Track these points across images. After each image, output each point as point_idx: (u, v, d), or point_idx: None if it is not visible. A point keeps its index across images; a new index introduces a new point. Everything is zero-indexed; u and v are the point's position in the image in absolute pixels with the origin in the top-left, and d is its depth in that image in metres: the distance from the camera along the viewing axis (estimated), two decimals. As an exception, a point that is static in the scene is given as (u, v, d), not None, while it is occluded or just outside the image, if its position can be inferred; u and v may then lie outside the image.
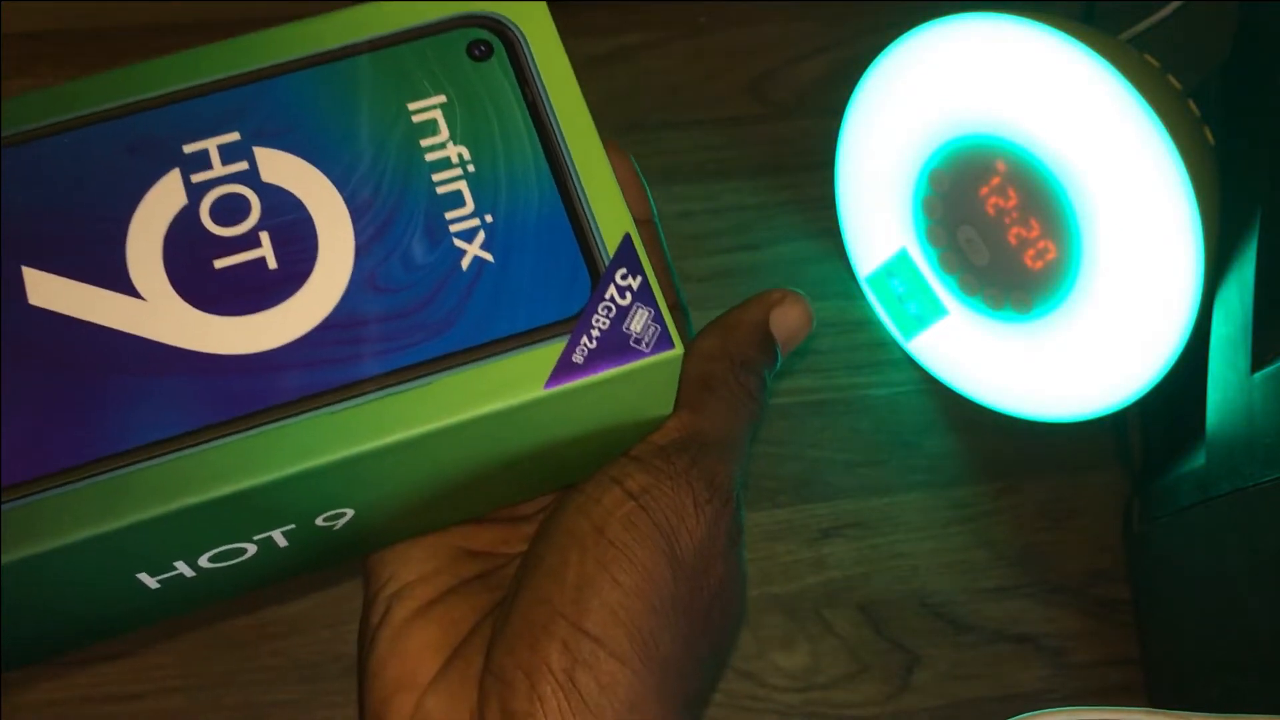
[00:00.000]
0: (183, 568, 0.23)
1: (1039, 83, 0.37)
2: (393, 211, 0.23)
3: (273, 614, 0.42)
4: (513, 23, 0.25)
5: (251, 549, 0.23)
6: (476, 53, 0.24)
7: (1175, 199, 0.35)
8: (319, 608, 0.43)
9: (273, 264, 0.22)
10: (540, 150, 0.24)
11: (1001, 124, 0.38)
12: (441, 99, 0.24)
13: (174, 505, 0.21)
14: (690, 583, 0.26)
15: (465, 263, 0.23)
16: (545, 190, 0.23)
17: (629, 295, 0.23)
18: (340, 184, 0.23)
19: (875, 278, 0.45)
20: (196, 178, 0.23)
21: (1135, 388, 0.39)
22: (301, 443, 0.21)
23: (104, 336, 0.22)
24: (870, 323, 0.47)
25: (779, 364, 0.30)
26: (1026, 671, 0.43)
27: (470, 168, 0.23)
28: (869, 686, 0.42)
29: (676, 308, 0.29)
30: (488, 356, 0.22)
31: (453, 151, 0.24)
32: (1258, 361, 0.34)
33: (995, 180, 0.39)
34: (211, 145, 0.23)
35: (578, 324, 0.23)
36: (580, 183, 0.23)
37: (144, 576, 0.23)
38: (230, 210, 0.23)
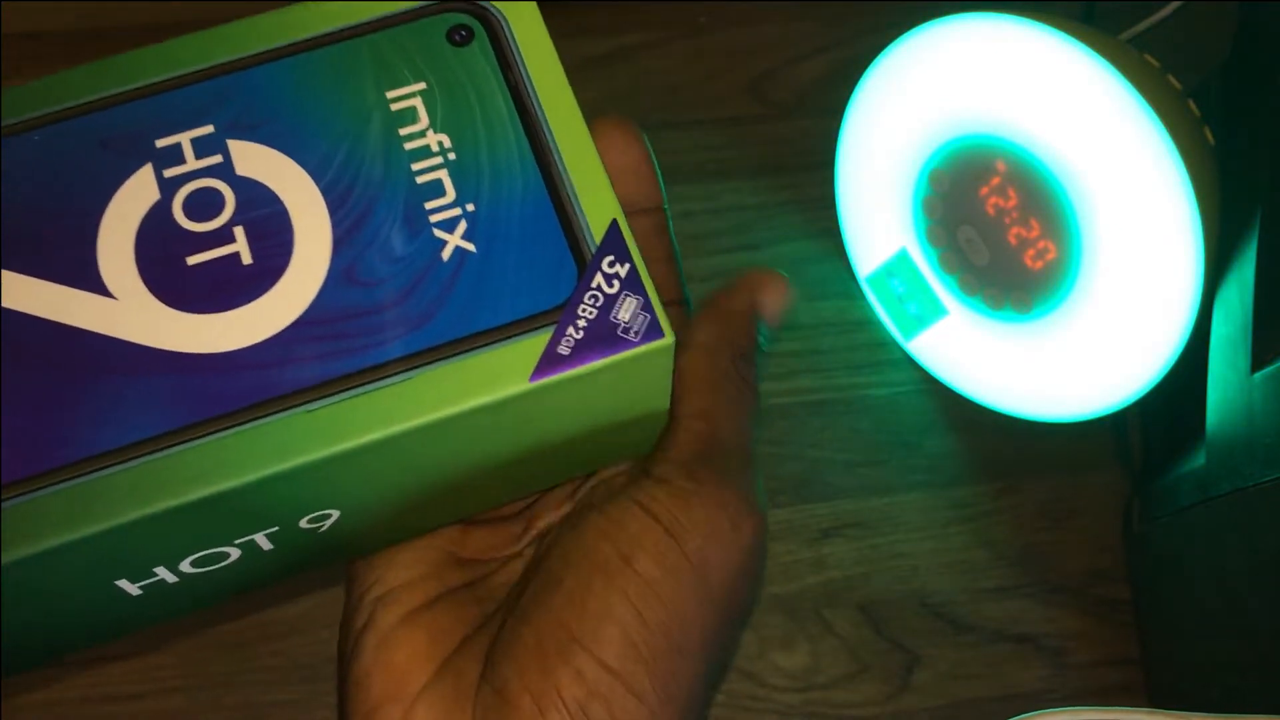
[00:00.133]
0: (164, 573, 0.22)
1: (1039, 83, 0.37)
2: (371, 203, 0.22)
3: (273, 614, 0.42)
4: (494, 6, 0.24)
5: (234, 553, 0.23)
6: (457, 38, 0.24)
7: (1175, 199, 0.35)
8: (319, 608, 0.43)
9: (247, 259, 0.22)
10: (524, 136, 0.23)
11: (1001, 124, 0.38)
12: (421, 86, 0.23)
13: (148, 510, 0.20)
14: (719, 615, 0.25)
15: (446, 253, 0.22)
16: (529, 177, 0.23)
17: (616, 283, 0.22)
18: (317, 175, 0.23)
19: (875, 278, 0.45)
20: (169, 172, 0.22)
21: (1135, 388, 0.38)
22: (279, 442, 0.21)
23: (75, 337, 0.21)
24: (870, 323, 0.47)
25: (765, 346, 0.29)
26: (1026, 671, 0.43)
27: (451, 155, 0.23)
28: (869, 686, 0.42)
29: (680, 301, 0.28)
30: (470, 350, 0.21)
31: (433, 139, 0.23)
32: (1258, 361, 0.34)
33: (995, 180, 0.39)
34: (185, 139, 0.23)
35: (563, 314, 0.22)
36: (565, 168, 0.23)
37: (124, 584, 0.22)
38: (203, 205, 0.22)
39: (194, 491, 0.20)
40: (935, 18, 0.39)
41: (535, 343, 0.22)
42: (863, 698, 0.42)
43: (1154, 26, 0.43)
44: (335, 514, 0.23)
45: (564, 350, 0.22)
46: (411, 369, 0.21)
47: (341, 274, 0.22)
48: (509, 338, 0.22)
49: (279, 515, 0.22)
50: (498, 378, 0.21)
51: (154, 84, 0.23)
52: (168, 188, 0.22)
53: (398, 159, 0.23)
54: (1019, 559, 0.44)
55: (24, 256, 0.22)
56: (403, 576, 0.27)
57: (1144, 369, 0.38)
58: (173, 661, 0.42)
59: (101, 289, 0.21)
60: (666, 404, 0.25)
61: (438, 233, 0.22)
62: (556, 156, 0.23)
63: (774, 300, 0.29)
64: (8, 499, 0.20)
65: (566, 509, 0.28)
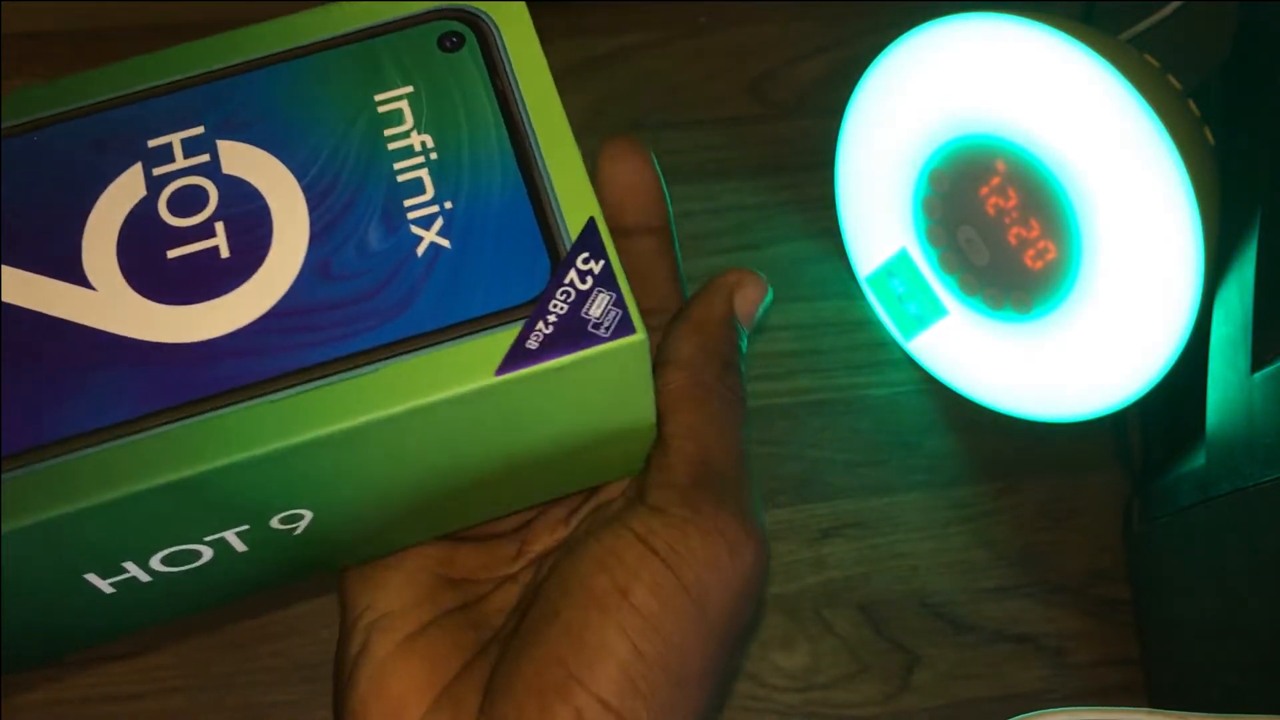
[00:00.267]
0: (135, 570, 0.22)
1: (1039, 83, 0.37)
2: (350, 200, 0.23)
3: (273, 614, 0.42)
4: (486, 14, 0.24)
5: (207, 553, 0.23)
6: (447, 44, 0.24)
7: (1175, 199, 0.35)
8: (319, 608, 0.43)
9: (225, 253, 0.22)
10: (506, 136, 0.23)
11: (1001, 124, 0.38)
12: (408, 90, 0.24)
13: (105, 495, 0.20)
14: (718, 644, 0.24)
15: (421, 249, 0.22)
16: (509, 176, 0.23)
17: (590, 280, 0.22)
18: (300, 174, 0.23)
19: (875, 278, 0.45)
20: (158, 171, 0.23)
21: (1135, 388, 0.39)
22: (240, 431, 0.21)
23: (50, 326, 0.22)
24: (870, 323, 0.47)
25: (745, 349, 0.28)
26: (1026, 671, 0.43)
27: (433, 155, 0.23)
28: (869, 686, 0.42)
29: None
30: (439, 343, 0.21)
31: (416, 140, 0.23)
32: (1258, 361, 0.34)
33: (995, 180, 0.39)
34: (175, 139, 0.23)
35: (534, 309, 0.22)
36: (546, 169, 0.23)
37: (94, 579, 0.22)
38: (187, 201, 0.23)
39: (152, 478, 0.20)
40: (935, 18, 0.39)
41: (504, 337, 0.21)
42: (863, 698, 0.42)
43: (1154, 26, 0.43)
44: (308, 515, 0.23)
45: (532, 344, 0.21)
46: (378, 361, 0.21)
47: (316, 268, 0.22)
48: (478, 332, 0.22)
49: (247, 511, 0.22)
50: (464, 371, 0.21)
51: (151, 88, 0.24)
52: (155, 185, 0.23)
53: (380, 158, 0.23)
54: (1019, 559, 0.44)
55: (12, 250, 0.22)
56: (395, 601, 0.26)
57: (1144, 369, 0.38)
58: (173, 661, 0.42)
59: (82, 280, 0.22)
60: (651, 416, 0.25)
61: (414, 229, 0.22)
62: (538, 157, 0.23)
63: (750, 301, 0.29)
64: None
65: (562, 533, 0.28)
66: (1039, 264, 0.39)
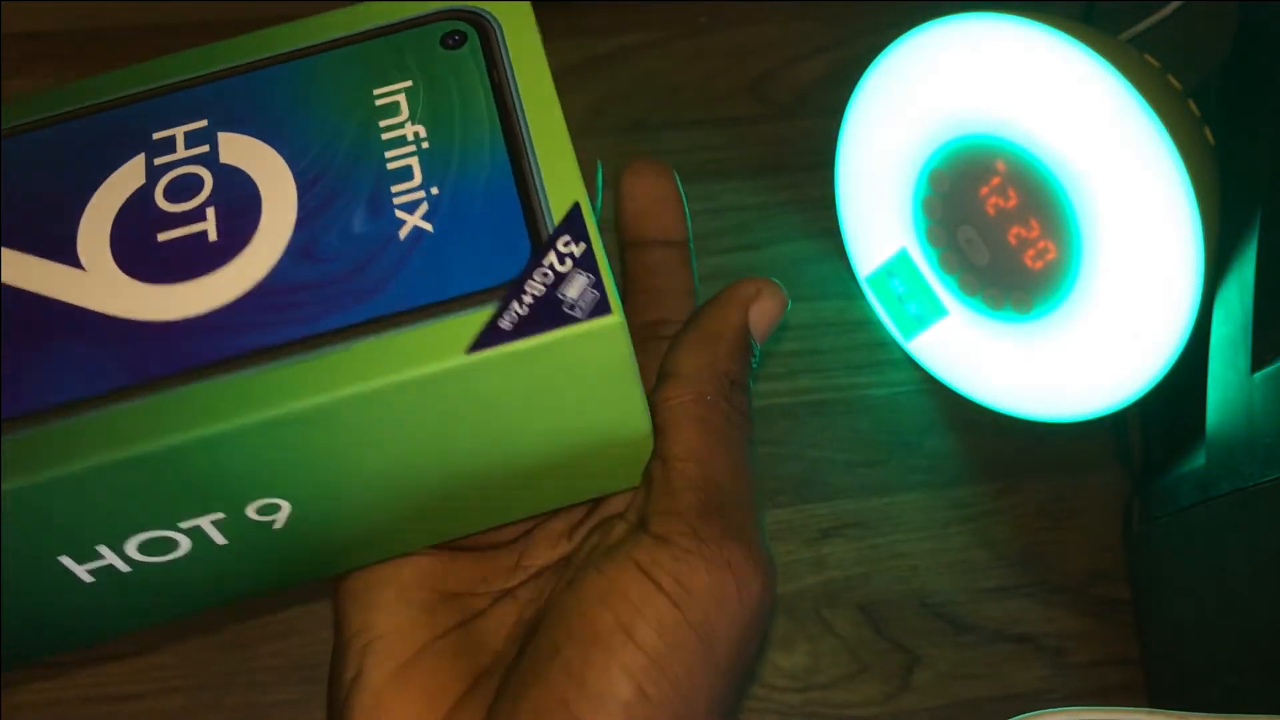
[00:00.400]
0: (111, 556, 0.22)
1: (1039, 83, 0.37)
2: (339, 186, 0.23)
3: (273, 614, 0.42)
4: (490, 14, 0.25)
5: (184, 542, 0.23)
6: (450, 42, 0.25)
7: (1175, 199, 0.35)
8: (319, 608, 0.43)
9: (213, 236, 0.23)
10: (499, 126, 0.23)
11: (1001, 124, 0.38)
12: (407, 84, 0.24)
13: (69, 468, 0.20)
14: (724, 680, 0.24)
15: (404, 232, 0.22)
16: (497, 163, 0.23)
17: (570, 262, 0.22)
18: (293, 162, 0.23)
19: (875, 278, 0.45)
20: (159, 160, 0.24)
21: (1135, 388, 0.39)
22: (205, 407, 0.21)
23: (34, 302, 0.22)
24: (870, 323, 0.47)
25: (758, 366, 0.27)
26: (1026, 671, 0.43)
27: (425, 144, 0.23)
28: (869, 686, 0.42)
29: None
30: (413, 322, 0.21)
31: (409, 130, 0.24)
32: (1258, 361, 0.34)
33: (995, 180, 0.39)
34: (179, 132, 0.24)
35: (510, 289, 0.21)
36: (535, 156, 0.23)
37: (69, 563, 0.22)
38: (183, 188, 0.23)
39: (114, 451, 0.20)
40: (935, 18, 0.39)
41: (478, 317, 0.21)
42: (863, 698, 0.42)
43: (1154, 26, 0.43)
44: (286, 506, 0.23)
45: (506, 324, 0.21)
46: (349, 339, 0.21)
47: (299, 250, 0.22)
48: (453, 312, 0.21)
49: (219, 494, 0.22)
50: (434, 350, 0.21)
51: (163, 86, 0.25)
52: (155, 174, 0.24)
53: (373, 147, 0.23)
54: (1019, 559, 0.44)
55: (14, 233, 0.23)
56: (389, 622, 0.25)
57: (1144, 369, 0.38)
58: (173, 661, 0.42)
59: (74, 261, 0.23)
60: (644, 419, 0.24)
61: (399, 214, 0.23)
62: (528, 145, 0.23)
63: (768, 315, 0.27)
64: None
65: (564, 548, 0.27)
66: (1039, 264, 0.39)
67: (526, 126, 0.23)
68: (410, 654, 0.25)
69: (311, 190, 0.23)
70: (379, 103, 0.24)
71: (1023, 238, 0.39)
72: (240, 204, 0.23)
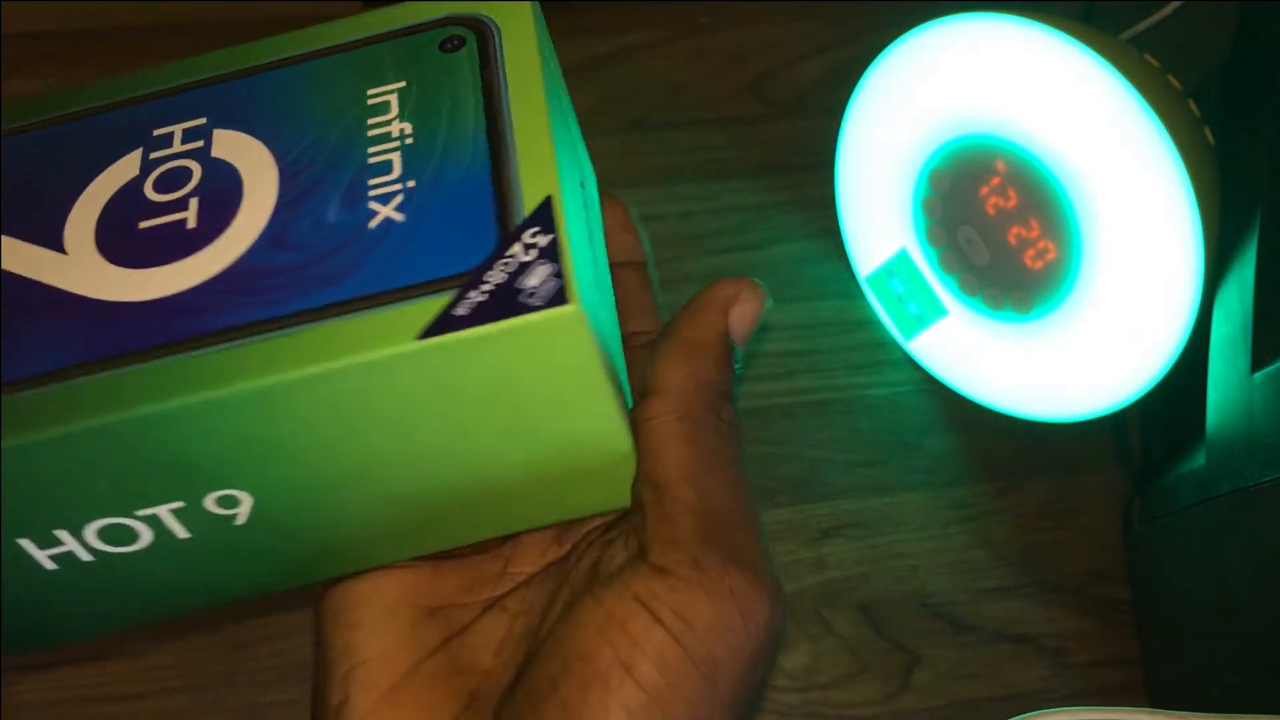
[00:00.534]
0: (71, 542, 0.22)
1: (1039, 83, 0.37)
2: (320, 179, 0.23)
3: (273, 614, 0.42)
4: (490, 19, 0.25)
5: (144, 532, 0.23)
6: (448, 46, 0.25)
7: (1175, 199, 0.35)
8: (319, 608, 0.43)
9: (192, 224, 0.23)
10: (483, 124, 0.23)
11: (1001, 124, 0.38)
12: (400, 84, 0.24)
13: (12, 441, 0.20)
14: (728, 713, 0.23)
15: (374, 223, 0.22)
16: (477, 158, 0.23)
17: (534, 252, 0.21)
18: (280, 156, 0.24)
19: (875, 278, 0.45)
20: (155, 155, 0.24)
21: (1135, 388, 0.39)
22: (148, 385, 0.21)
23: (15, 283, 0.23)
24: (870, 323, 0.47)
25: (741, 370, 0.26)
26: (1026, 671, 0.43)
27: (408, 140, 0.23)
28: (869, 686, 0.42)
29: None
30: (371, 307, 0.21)
31: (396, 127, 0.24)
32: (1258, 361, 0.34)
33: (995, 180, 0.39)
34: (178, 129, 0.25)
35: (471, 277, 0.21)
36: (515, 151, 0.23)
37: (29, 546, 0.22)
38: (172, 180, 0.24)
39: (56, 426, 0.21)
40: (935, 18, 0.39)
41: (435, 303, 0.21)
42: (863, 698, 0.42)
43: (1154, 26, 0.43)
44: (246, 500, 0.23)
45: (461, 311, 0.21)
46: (305, 323, 0.21)
47: (271, 238, 0.23)
48: (412, 298, 0.21)
49: (173, 479, 0.22)
50: (385, 335, 0.21)
51: (171, 87, 0.26)
52: (149, 166, 0.24)
53: (357, 143, 0.24)
54: (1019, 559, 0.44)
55: (11, 219, 0.24)
56: (374, 645, 0.25)
57: (1144, 369, 0.38)
58: (173, 661, 0.42)
59: (58, 246, 0.23)
60: (619, 429, 0.23)
61: (372, 205, 0.23)
62: (509, 141, 0.23)
63: (748, 317, 0.26)
64: None
65: (553, 554, 0.27)
66: (1039, 264, 0.39)
67: (511, 124, 0.23)
68: (396, 679, 0.25)
69: (293, 182, 0.23)
70: (371, 102, 0.24)
71: (1023, 238, 0.39)
72: (222, 194, 0.23)
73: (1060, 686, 0.43)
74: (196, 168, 0.24)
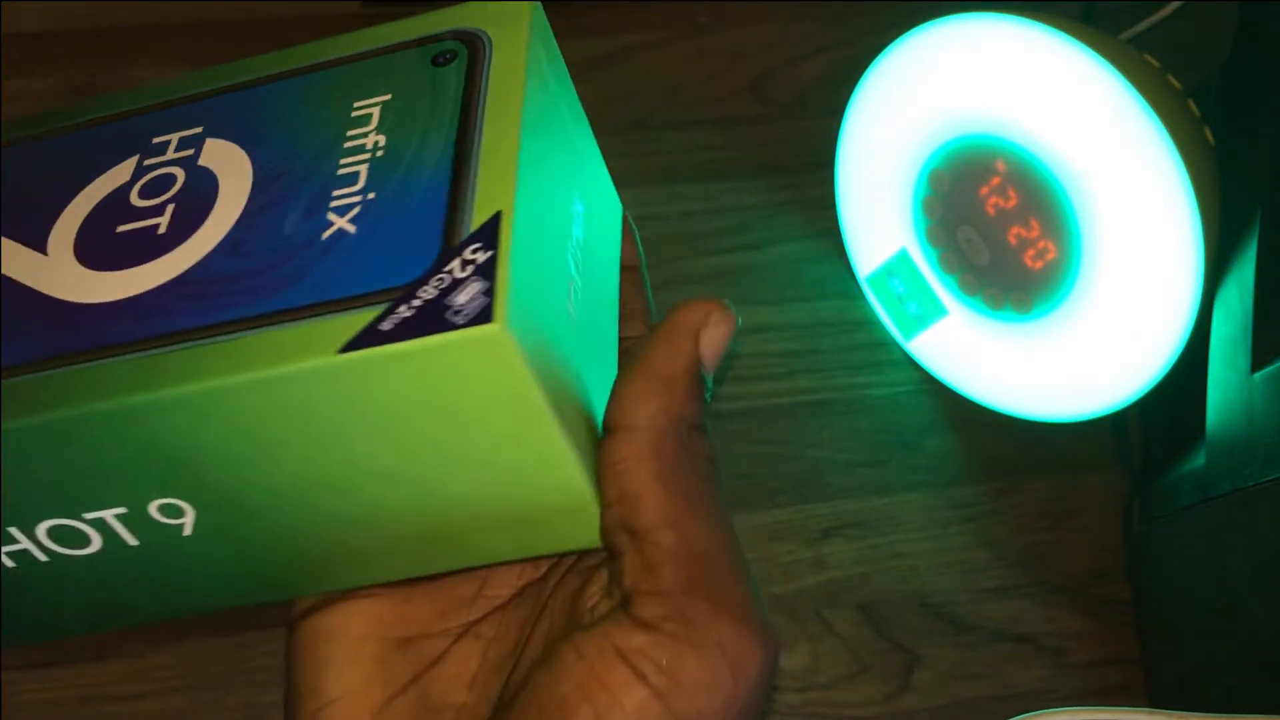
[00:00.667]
0: (24, 540, 0.23)
1: (1039, 83, 0.37)
2: (289, 189, 0.23)
3: (274, 614, 0.42)
4: (486, 33, 0.25)
5: (95, 537, 0.23)
6: (440, 60, 0.25)
7: (1175, 199, 0.35)
8: (319, 608, 0.43)
9: (163, 229, 0.23)
10: (454, 137, 0.23)
11: (1001, 124, 0.38)
12: (386, 97, 0.24)
13: None
14: None
15: (327, 234, 0.22)
16: (439, 173, 0.22)
17: (470, 269, 0.20)
18: (258, 166, 0.24)
19: (875, 278, 0.45)
20: (149, 161, 0.25)
21: (1135, 388, 0.39)
22: (80, 387, 0.21)
23: None
24: (870, 323, 0.47)
25: (710, 399, 0.25)
26: (1026, 671, 0.43)
27: (379, 153, 0.23)
28: (869, 686, 0.42)
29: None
30: (304, 318, 0.21)
31: (370, 140, 0.24)
32: (1258, 361, 0.34)
33: (995, 180, 0.39)
34: (175, 137, 0.25)
35: (404, 291, 0.20)
36: (477, 168, 0.22)
37: None
38: (156, 186, 0.24)
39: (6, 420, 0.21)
40: (935, 18, 0.39)
41: (364, 317, 0.20)
42: (863, 698, 0.42)
43: (1154, 26, 0.43)
44: (190, 511, 0.23)
45: (387, 326, 0.20)
46: (237, 332, 0.21)
47: (229, 245, 0.23)
48: (346, 310, 0.21)
49: (112, 484, 0.22)
50: (309, 347, 0.20)
51: (179, 98, 0.26)
52: (140, 173, 0.25)
53: (332, 154, 0.24)
54: (1019, 559, 0.44)
55: (9, 220, 0.25)
56: (341, 684, 0.24)
57: (1144, 369, 0.38)
58: (173, 661, 0.42)
59: (41, 247, 0.24)
60: (566, 458, 0.22)
61: (330, 216, 0.23)
62: (474, 157, 0.23)
63: (719, 341, 0.24)
64: None
65: (530, 576, 0.26)
66: (1039, 264, 0.39)
67: (479, 140, 0.23)
68: (366, 719, 0.24)
69: (264, 191, 0.23)
70: (355, 114, 0.24)
71: (1023, 238, 0.39)
72: (197, 201, 0.24)
73: (1060, 686, 0.43)
74: (181, 175, 0.24)
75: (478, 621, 0.26)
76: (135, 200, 0.24)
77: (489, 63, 0.24)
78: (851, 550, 0.44)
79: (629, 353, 0.24)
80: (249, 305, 0.21)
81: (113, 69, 0.51)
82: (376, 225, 0.22)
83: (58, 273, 0.23)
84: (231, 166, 0.24)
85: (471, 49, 0.25)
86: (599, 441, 0.23)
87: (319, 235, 0.22)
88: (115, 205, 0.24)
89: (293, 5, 0.50)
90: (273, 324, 0.21)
